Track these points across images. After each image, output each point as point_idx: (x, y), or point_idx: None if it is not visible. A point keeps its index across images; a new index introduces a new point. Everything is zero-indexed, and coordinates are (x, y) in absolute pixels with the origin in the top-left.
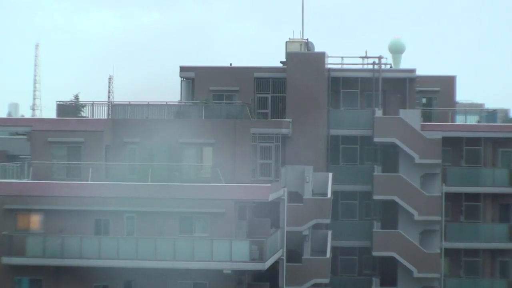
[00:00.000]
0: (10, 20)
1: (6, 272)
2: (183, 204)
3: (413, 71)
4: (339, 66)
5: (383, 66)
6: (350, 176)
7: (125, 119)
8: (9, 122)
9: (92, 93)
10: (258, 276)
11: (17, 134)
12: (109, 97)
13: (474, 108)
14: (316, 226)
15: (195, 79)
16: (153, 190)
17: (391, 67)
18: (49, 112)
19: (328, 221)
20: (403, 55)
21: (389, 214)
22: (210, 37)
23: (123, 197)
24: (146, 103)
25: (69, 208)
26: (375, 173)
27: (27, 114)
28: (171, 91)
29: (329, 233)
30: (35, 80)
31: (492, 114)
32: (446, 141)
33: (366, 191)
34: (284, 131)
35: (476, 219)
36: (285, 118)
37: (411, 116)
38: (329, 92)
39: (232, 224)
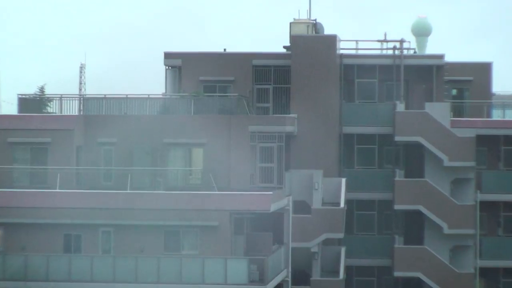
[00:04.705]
0: None
1: None
2: (168, 216)
3: (441, 57)
4: (353, 52)
5: (405, 52)
6: (367, 182)
7: (99, 115)
8: None
9: (61, 84)
10: None
11: None
12: (80, 89)
13: None
14: (327, 242)
15: (182, 67)
16: (133, 200)
17: (415, 52)
18: (9, 107)
19: (341, 235)
20: (429, 38)
21: (414, 227)
22: (201, 17)
23: (98, 208)
24: (125, 96)
25: (33, 221)
26: (396, 178)
27: None
28: (154, 81)
29: (342, 250)
30: None
31: None
32: (480, 140)
33: (386, 200)
34: (288, 128)
35: None
36: (289, 113)
37: (439, 111)
38: (341, 83)
39: (227, 239)
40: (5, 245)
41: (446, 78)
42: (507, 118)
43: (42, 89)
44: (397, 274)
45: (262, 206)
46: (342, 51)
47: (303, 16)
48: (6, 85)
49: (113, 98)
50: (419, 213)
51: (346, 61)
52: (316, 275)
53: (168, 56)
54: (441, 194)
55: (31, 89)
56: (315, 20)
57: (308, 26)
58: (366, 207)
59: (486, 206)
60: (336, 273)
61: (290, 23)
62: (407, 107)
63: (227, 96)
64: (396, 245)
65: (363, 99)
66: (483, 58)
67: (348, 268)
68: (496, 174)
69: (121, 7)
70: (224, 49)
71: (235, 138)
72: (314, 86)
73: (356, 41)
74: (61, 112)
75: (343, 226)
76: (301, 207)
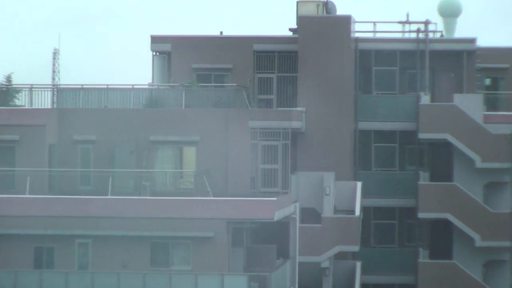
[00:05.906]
0: None
1: None
2: (156, 226)
3: (472, 41)
4: (370, 35)
5: (431, 35)
6: (386, 187)
7: (76, 108)
8: None
9: (31, 73)
10: None
11: None
12: (53, 78)
13: None
14: (339, 256)
15: (172, 53)
16: (114, 207)
17: (442, 35)
18: None
19: (356, 248)
20: (459, 19)
21: (441, 238)
22: None
23: (74, 217)
24: (105, 86)
25: None
26: (420, 182)
27: None
28: (139, 70)
29: (358, 265)
30: None
31: None
32: None
33: (408, 207)
34: (294, 124)
35: None
36: (296, 106)
37: (470, 103)
38: (356, 71)
39: (224, 253)
40: None
41: (478, 65)
42: None
43: (8, 79)
44: None
45: (265, 214)
46: (357, 34)
47: None
48: None
49: (92, 89)
50: (447, 222)
51: (362, 45)
52: None
53: (155, 40)
54: (472, 201)
55: None
56: None
57: (318, 6)
58: (385, 216)
59: None
60: None
61: (297, 1)
62: (433, 100)
63: (224, 86)
64: (420, 260)
65: (382, 90)
66: None
67: (364, 286)
68: None
69: None
70: (221, 32)
71: (233, 135)
72: (324, 75)
73: (374, 22)
74: (31, 105)
75: (358, 237)
76: (310, 215)
